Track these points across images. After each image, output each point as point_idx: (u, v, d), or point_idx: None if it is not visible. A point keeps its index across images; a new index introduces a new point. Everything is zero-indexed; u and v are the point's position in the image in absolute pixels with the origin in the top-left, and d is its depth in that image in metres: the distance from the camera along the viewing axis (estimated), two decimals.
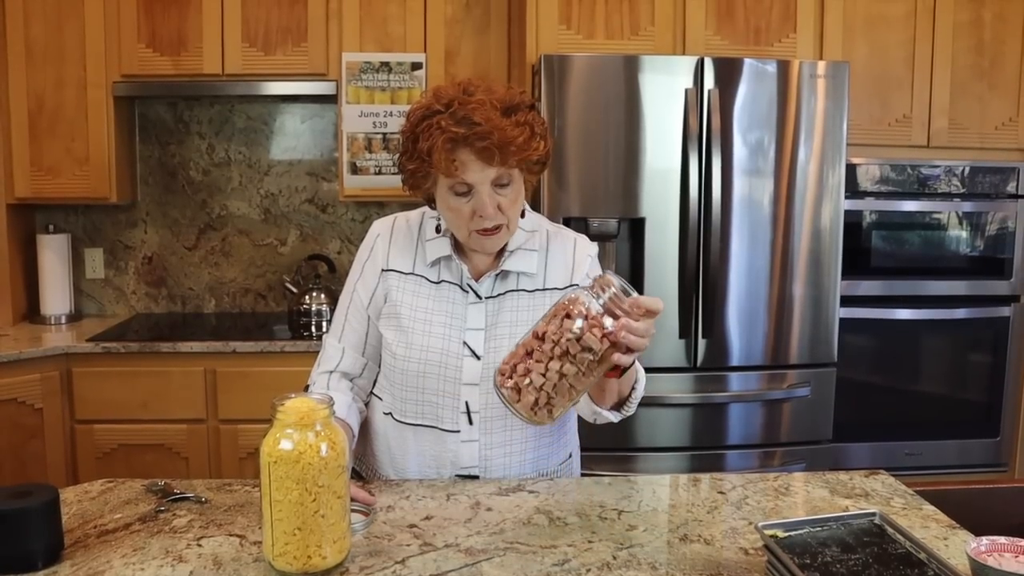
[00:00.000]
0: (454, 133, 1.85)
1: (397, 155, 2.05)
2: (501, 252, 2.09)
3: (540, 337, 1.64)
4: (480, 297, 2.08)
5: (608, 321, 1.63)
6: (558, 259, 2.15)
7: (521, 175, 1.98)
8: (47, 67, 4.14)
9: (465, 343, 2.06)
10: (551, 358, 1.62)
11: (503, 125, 1.86)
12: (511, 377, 1.65)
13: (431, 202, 2.08)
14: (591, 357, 1.62)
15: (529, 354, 1.64)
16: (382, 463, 2.20)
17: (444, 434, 2.07)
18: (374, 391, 2.23)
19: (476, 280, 2.09)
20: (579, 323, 1.61)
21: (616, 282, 1.67)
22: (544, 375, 1.62)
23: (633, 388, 2.00)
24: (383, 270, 2.13)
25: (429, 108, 1.92)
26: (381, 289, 2.13)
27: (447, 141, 1.86)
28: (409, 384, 2.08)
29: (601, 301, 1.64)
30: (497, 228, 1.97)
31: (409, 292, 2.10)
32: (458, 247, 2.09)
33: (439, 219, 2.09)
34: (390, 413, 2.15)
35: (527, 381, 1.63)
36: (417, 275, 2.11)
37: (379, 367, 2.21)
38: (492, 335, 2.07)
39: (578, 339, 1.61)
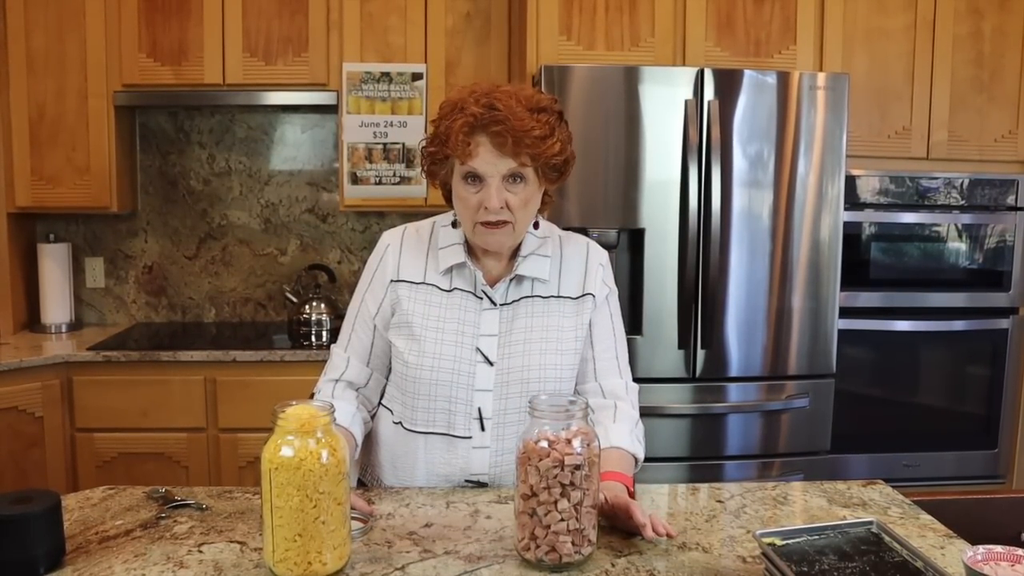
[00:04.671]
0: (473, 115, 1.89)
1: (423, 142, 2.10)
2: (515, 257, 2.11)
3: (533, 494, 1.63)
4: (495, 303, 2.10)
5: (572, 430, 1.65)
6: (572, 267, 2.17)
7: (538, 180, 1.99)
8: (48, 77, 4.15)
9: (478, 349, 2.07)
10: (556, 500, 1.62)
11: (522, 115, 1.90)
12: (539, 545, 1.64)
13: (447, 192, 2.10)
14: (584, 472, 1.63)
15: (532, 514, 1.64)
16: (387, 474, 2.20)
17: (456, 441, 2.08)
18: (383, 402, 2.24)
19: (491, 286, 2.10)
20: (553, 455, 1.62)
21: (544, 400, 1.70)
22: (563, 519, 1.62)
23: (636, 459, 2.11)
24: (392, 281, 2.14)
25: (460, 97, 1.97)
26: (389, 300, 2.14)
27: (465, 124, 1.90)
28: (421, 392, 2.08)
29: (546, 425, 1.65)
30: (501, 224, 1.97)
31: (420, 302, 2.10)
32: (472, 253, 2.11)
33: (455, 215, 2.10)
34: (400, 422, 2.15)
35: (555, 536, 1.63)
36: (428, 284, 2.12)
37: (386, 378, 2.22)
38: (506, 341, 2.08)
39: (563, 466, 1.61)
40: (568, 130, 2.02)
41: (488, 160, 1.92)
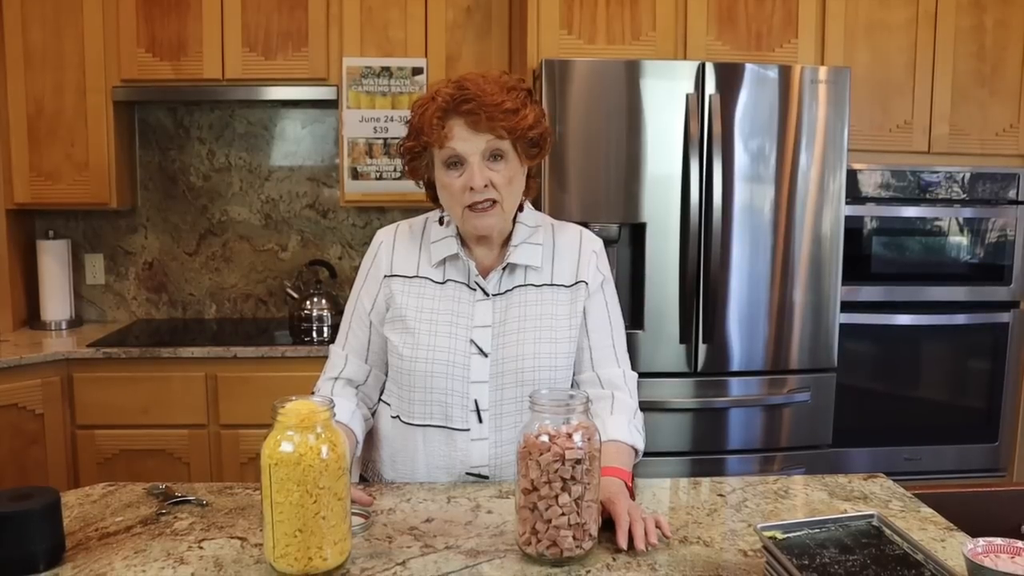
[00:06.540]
0: (445, 99, 1.95)
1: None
2: (506, 246, 2.11)
3: (533, 488, 1.63)
4: (488, 294, 2.10)
5: (572, 424, 1.64)
6: (564, 254, 2.17)
7: (517, 157, 2.01)
8: (46, 72, 4.15)
9: (472, 341, 2.07)
10: (557, 495, 1.61)
11: (492, 91, 1.94)
12: (540, 540, 1.64)
13: (431, 190, 2.11)
14: (584, 466, 1.62)
15: (533, 509, 1.64)
16: (388, 468, 2.20)
17: (454, 433, 2.08)
18: (382, 398, 2.24)
19: (483, 277, 2.10)
20: (553, 449, 1.61)
21: (544, 394, 1.69)
22: (564, 513, 1.62)
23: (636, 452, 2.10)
24: (385, 276, 2.14)
25: (431, 92, 2.03)
26: (383, 296, 2.14)
27: (438, 109, 1.95)
28: (417, 385, 2.08)
29: (546, 420, 1.65)
30: (489, 204, 1.99)
31: (414, 295, 2.11)
32: (464, 244, 2.11)
33: (443, 212, 2.11)
34: (398, 416, 2.15)
35: (556, 531, 1.62)
36: (421, 277, 2.12)
37: (385, 375, 2.22)
38: (500, 331, 2.08)
39: (563, 461, 1.61)
40: (540, 108, 2.05)
41: (464, 138, 1.94)
